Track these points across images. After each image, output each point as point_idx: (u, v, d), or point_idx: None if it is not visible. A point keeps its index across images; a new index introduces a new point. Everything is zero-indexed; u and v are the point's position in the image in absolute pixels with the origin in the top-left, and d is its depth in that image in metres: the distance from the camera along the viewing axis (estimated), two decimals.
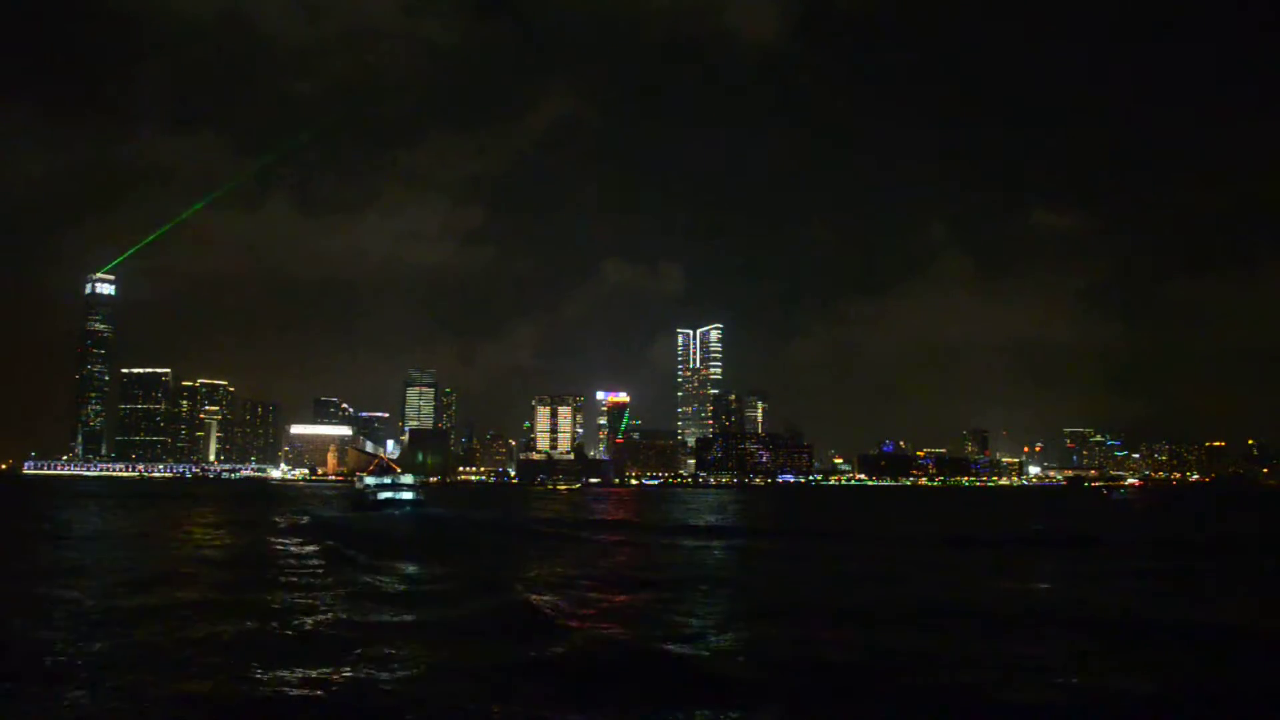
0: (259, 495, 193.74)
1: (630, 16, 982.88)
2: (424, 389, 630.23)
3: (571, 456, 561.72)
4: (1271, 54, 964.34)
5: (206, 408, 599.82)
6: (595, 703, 19.96)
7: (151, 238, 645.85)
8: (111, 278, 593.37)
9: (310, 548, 58.02)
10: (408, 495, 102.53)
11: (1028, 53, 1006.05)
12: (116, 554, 56.52)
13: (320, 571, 44.74)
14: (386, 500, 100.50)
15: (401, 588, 39.49)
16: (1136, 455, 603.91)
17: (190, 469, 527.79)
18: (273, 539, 66.97)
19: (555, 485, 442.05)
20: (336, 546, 56.63)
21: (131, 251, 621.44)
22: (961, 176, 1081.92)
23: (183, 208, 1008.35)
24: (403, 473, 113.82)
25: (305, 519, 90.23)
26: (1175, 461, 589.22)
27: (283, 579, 41.26)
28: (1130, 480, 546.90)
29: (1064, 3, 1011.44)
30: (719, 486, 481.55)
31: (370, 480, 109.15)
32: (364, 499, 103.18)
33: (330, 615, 31.04)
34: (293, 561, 49.74)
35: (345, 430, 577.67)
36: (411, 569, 45.99)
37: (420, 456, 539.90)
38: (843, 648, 26.12)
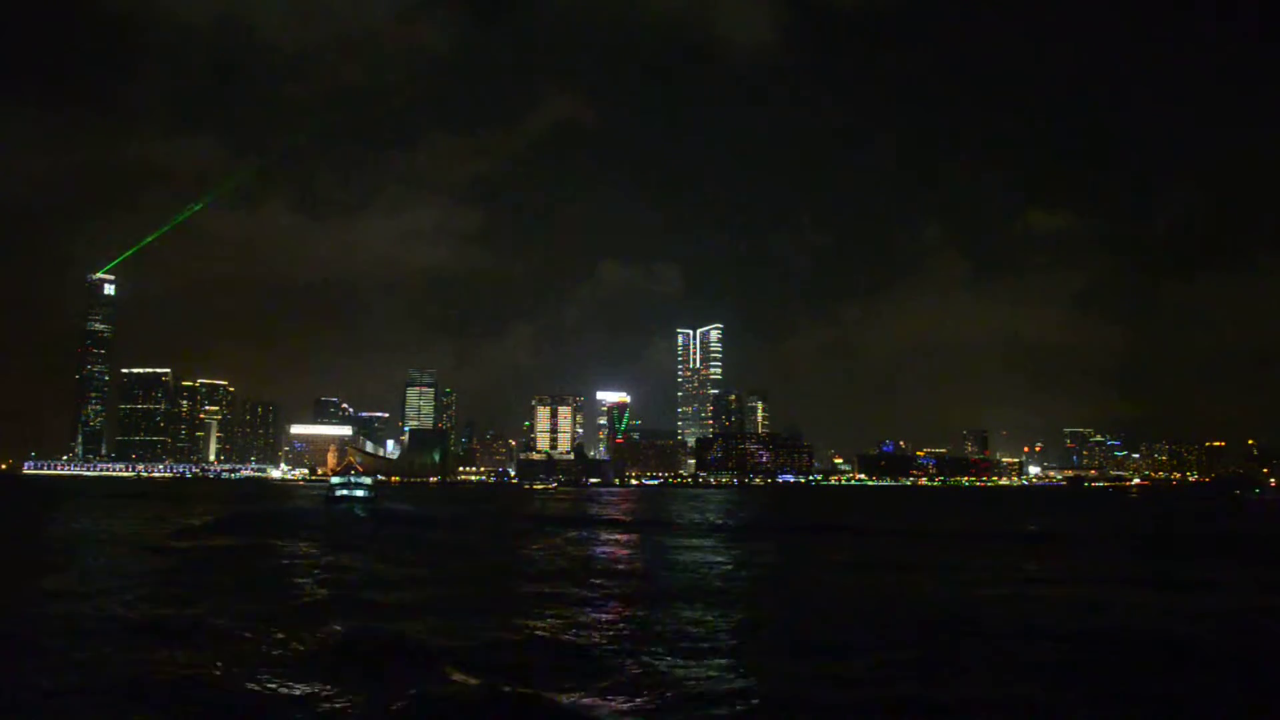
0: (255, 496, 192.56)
1: (627, 20, 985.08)
2: (424, 389, 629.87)
3: (571, 456, 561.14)
4: (1269, 55, 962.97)
5: (206, 408, 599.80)
6: None
7: (151, 238, 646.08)
8: (111, 278, 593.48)
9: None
10: (361, 493, 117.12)
11: (1024, 53, 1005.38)
12: None
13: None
14: (343, 496, 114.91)
15: None
16: (1136, 455, 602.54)
17: (190, 469, 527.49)
18: None
19: (533, 485, 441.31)
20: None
21: (131, 251, 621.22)
22: (957, 178, 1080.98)
23: (182, 208, 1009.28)
24: (361, 473, 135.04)
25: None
26: (1175, 461, 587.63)
27: None
28: (1135, 480, 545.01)
29: (1061, 3, 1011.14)
30: (719, 486, 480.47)
31: (335, 479, 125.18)
32: (328, 495, 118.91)
33: None
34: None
35: (345, 430, 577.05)
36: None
37: (420, 457, 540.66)
38: None
